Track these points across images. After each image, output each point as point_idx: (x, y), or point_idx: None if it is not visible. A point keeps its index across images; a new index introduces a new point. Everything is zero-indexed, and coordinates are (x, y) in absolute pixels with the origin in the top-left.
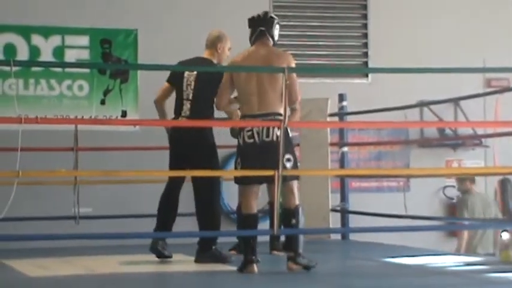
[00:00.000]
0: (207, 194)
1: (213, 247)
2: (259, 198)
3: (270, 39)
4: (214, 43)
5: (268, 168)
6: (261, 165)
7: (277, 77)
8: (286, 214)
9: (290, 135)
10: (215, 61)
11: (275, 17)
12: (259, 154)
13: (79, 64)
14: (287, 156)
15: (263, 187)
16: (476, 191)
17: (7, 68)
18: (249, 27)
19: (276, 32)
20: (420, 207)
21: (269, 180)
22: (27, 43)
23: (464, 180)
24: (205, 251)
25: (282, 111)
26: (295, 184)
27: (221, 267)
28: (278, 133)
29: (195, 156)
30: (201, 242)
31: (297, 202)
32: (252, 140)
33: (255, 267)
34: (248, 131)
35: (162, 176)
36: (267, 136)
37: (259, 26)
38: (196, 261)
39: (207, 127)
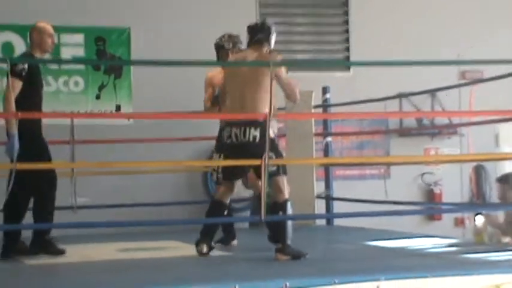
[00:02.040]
0: None
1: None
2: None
3: (266, 45)
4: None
5: (246, 168)
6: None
7: (263, 81)
8: (273, 208)
9: (273, 135)
10: None
11: (272, 25)
12: (238, 154)
13: (74, 60)
14: (269, 154)
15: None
16: None
17: (5, 66)
18: (248, 34)
19: (273, 39)
20: (400, 193)
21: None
22: (25, 41)
23: None
24: None
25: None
26: (282, 180)
27: (217, 252)
28: (255, 134)
29: None
30: None
31: (286, 197)
32: (230, 141)
33: (205, 248)
34: (227, 131)
35: (154, 166)
36: (244, 137)
37: (257, 33)
38: None
39: None
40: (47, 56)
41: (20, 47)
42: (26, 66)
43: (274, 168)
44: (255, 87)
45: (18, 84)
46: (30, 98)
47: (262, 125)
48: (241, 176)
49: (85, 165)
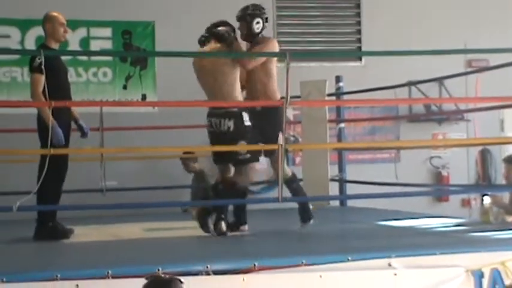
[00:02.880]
0: None
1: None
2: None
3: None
4: None
5: (225, 154)
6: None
7: (226, 68)
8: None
9: (246, 123)
10: None
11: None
12: (218, 142)
13: (103, 52)
14: (241, 142)
15: None
16: None
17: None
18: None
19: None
20: (410, 176)
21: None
22: None
23: None
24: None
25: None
26: (247, 168)
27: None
28: (229, 124)
29: None
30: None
31: (245, 183)
32: (212, 129)
33: (224, 226)
34: (208, 121)
35: (177, 152)
36: (220, 127)
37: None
38: None
39: None
40: (58, 46)
41: None
42: (42, 59)
43: (248, 156)
44: (225, 78)
45: (40, 78)
46: (57, 87)
47: (236, 116)
48: (228, 161)
49: (113, 151)
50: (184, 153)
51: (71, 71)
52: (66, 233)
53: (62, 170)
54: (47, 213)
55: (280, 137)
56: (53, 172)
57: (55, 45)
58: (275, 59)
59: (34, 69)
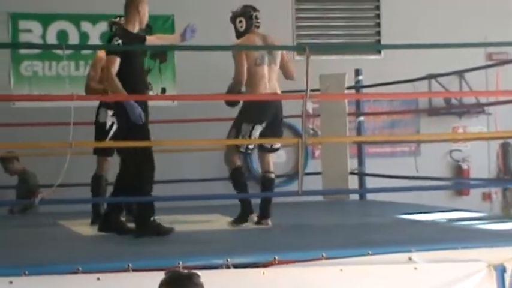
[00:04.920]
0: None
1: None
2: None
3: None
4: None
5: None
6: None
7: None
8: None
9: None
10: None
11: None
12: None
13: (123, 47)
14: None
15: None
16: None
17: (60, 52)
18: None
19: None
20: (430, 169)
21: None
22: (77, 29)
23: None
24: None
25: None
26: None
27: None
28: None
29: None
30: None
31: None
32: None
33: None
34: None
35: (197, 145)
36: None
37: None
38: None
39: None
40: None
41: (73, 35)
42: (120, 41)
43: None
44: None
45: (115, 60)
46: (132, 71)
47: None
48: None
49: (135, 144)
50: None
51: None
52: (167, 231)
53: (151, 157)
54: (148, 208)
55: (243, 127)
56: (145, 162)
57: (136, 30)
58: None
59: (111, 51)
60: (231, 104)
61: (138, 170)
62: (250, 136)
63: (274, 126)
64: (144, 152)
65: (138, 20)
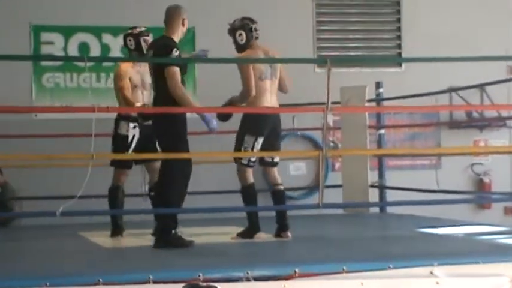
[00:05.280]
0: None
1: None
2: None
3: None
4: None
5: None
6: None
7: None
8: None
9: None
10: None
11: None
12: None
13: (144, 59)
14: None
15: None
16: None
17: (82, 64)
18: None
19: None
20: (451, 182)
21: None
22: (99, 41)
23: None
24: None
25: None
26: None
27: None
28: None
29: None
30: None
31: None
32: None
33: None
34: None
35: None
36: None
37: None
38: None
39: None
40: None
41: (94, 47)
42: (178, 52)
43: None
44: None
45: (178, 71)
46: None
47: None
48: None
49: (154, 156)
50: None
51: (112, 76)
52: (187, 244)
53: (187, 169)
54: (171, 219)
55: (246, 139)
56: (178, 172)
57: (177, 40)
58: (256, 69)
59: (170, 63)
60: (224, 117)
61: (173, 182)
62: (253, 148)
63: (273, 139)
64: (183, 165)
65: (181, 31)
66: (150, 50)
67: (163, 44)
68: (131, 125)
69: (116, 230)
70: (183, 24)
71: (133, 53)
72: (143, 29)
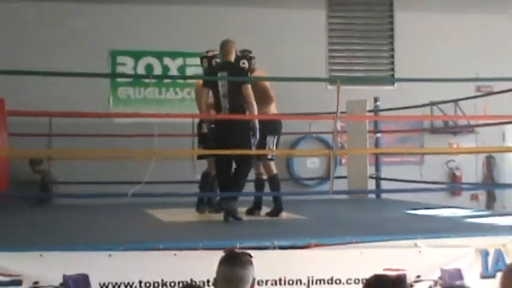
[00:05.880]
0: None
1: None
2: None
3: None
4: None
5: None
6: None
7: None
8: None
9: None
10: None
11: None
12: None
13: (195, 76)
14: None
15: None
16: None
17: (147, 80)
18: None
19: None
20: (431, 175)
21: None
22: (160, 63)
23: None
24: None
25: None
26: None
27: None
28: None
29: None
30: None
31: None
32: None
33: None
34: None
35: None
36: None
37: None
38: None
39: None
40: None
41: (157, 67)
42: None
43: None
44: None
45: (250, 87)
46: None
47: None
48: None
49: (205, 152)
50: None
51: (171, 90)
52: (240, 218)
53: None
54: (235, 199)
55: (268, 139)
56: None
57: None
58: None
59: (247, 82)
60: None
61: (245, 171)
62: (274, 145)
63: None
64: (251, 160)
65: (233, 58)
66: (224, 71)
67: (237, 67)
68: (207, 126)
69: (200, 206)
70: (236, 51)
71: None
72: (216, 52)
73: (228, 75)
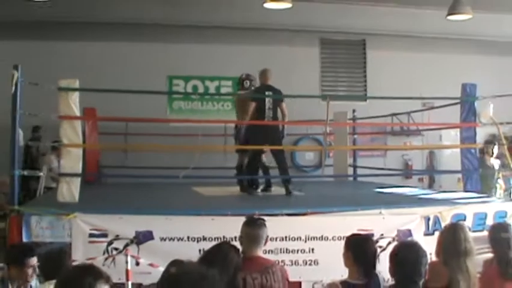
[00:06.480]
0: None
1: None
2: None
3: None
4: None
5: None
6: None
7: None
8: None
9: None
10: None
11: (243, 78)
12: None
13: (227, 94)
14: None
15: None
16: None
17: (194, 96)
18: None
19: (246, 85)
20: (391, 164)
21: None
22: (203, 84)
23: None
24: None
25: None
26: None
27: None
28: None
29: None
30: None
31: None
32: None
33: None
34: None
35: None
36: None
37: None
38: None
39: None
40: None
41: (200, 87)
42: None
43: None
44: None
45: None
46: None
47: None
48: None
49: (234, 148)
50: None
51: (210, 103)
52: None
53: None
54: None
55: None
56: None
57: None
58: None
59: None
60: None
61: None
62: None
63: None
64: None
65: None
66: (270, 91)
67: (278, 89)
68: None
69: (242, 187)
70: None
71: (244, 90)
72: (253, 76)
73: (273, 95)
